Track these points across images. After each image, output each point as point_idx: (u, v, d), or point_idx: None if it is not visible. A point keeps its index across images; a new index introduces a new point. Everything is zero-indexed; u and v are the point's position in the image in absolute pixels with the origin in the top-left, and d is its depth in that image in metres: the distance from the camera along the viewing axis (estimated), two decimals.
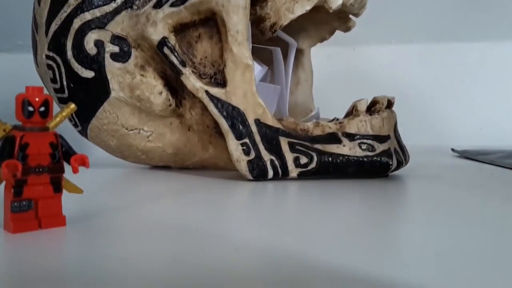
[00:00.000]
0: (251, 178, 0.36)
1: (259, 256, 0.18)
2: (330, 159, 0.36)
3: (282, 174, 0.36)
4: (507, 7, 0.69)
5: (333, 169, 0.36)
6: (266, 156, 0.36)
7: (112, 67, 0.37)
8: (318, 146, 0.36)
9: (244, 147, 0.36)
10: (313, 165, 0.36)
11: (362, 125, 0.37)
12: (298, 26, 0.42)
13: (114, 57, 0.37)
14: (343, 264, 0.17)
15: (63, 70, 0.38)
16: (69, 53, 0.37)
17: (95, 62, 0.37)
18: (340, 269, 0.17)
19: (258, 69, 0.40)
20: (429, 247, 0.20)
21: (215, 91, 0.35)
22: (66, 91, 0.38)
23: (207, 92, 0.35)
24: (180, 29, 0.36)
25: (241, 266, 0.17)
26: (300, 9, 0.36)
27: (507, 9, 0.70)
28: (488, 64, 0.75)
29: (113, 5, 0.37)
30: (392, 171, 0.38)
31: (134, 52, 0.37)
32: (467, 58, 0.72)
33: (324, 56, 0.53)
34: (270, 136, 0.36)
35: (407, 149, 0.40)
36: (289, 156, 0.36)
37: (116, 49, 0.37)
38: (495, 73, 0.75)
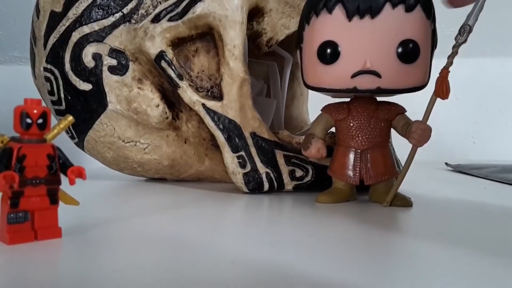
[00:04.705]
0: (247, 190, 0.36)
1: (255, 270, 0.18)
2: (325, 172, 0.36)
3: (277, 187, 0.37)
4: (499, 25, 0.71)
5: (328, 182, 0.37)
6: (262, 169, 0.36)
7: (109, 80, 0.37)
8: (313, 159, 0.36)
9: (240, 160, 0.36)
10: (308, 178, 0.37)
11: None
12: (294, 41, 0.43)
13: (112, 70, 0.37)
14: (338, 279, 0.17)
15: (60, 82, 0.38)
16: (67, 66, 0.37)
17: (93, 75, 0.37)
18: (334, 284, 0.17)
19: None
20: (423, 264, 0.20)
21: (212, 104, 0.36)
22: (64, 103, 0.38)
23: (203, 105, 0.36)
24: (177, 43, 0.36)
25: (236, 279, 0.18)
26: (296, 25, 0.36)
27: (500, 27, 0.72)
28: (481, 79, 0.76)
29: (111, 19, 0.37)
30: None
31: (131, 65, 0.37)
32: (460, 73, 0.73)
33: None
34: (266, 149, 0.36)
35: (400, 163, 0.40)
36: (284, 169, 0.36)
37: (114, 62, 0.37)
38: (487, 88, 0.76)
